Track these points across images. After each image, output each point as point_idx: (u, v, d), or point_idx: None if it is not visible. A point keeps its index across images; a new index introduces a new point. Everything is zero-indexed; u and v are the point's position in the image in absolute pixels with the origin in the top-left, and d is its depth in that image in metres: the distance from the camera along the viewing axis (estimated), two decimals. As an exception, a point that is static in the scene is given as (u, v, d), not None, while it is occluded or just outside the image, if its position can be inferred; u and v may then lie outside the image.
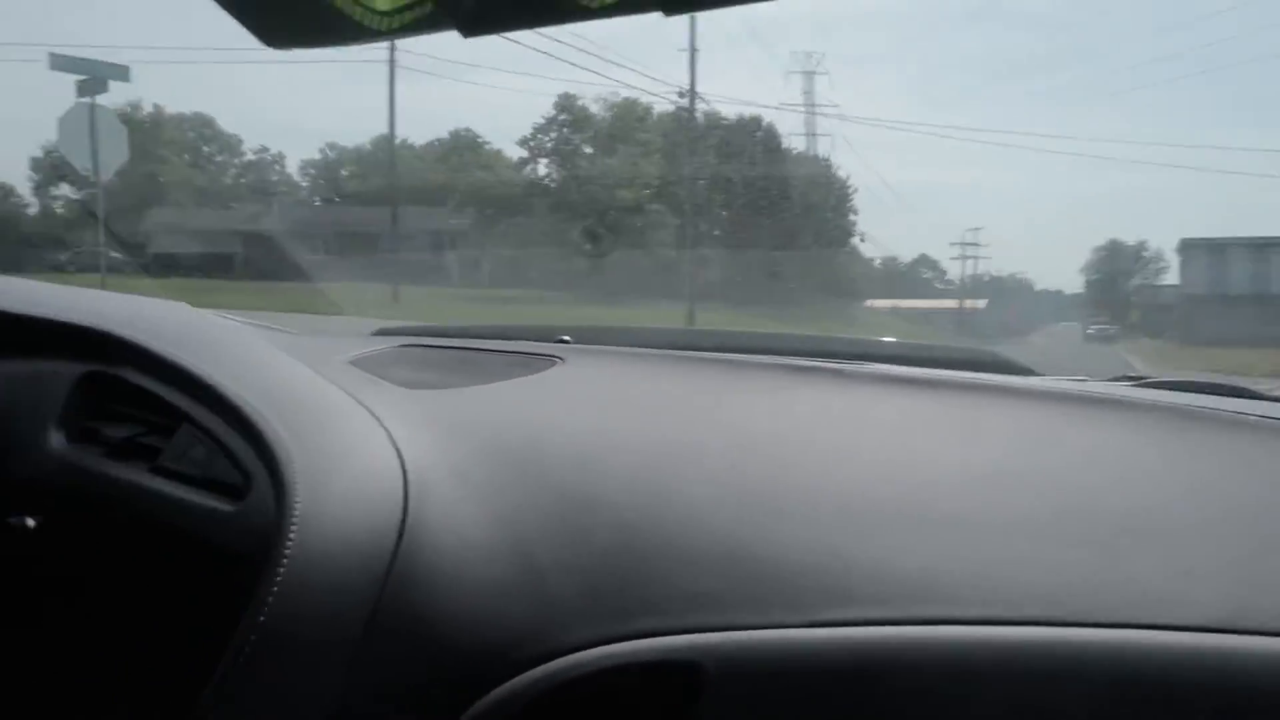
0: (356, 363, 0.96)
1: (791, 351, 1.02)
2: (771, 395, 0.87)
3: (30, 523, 0.86)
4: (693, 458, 0.72)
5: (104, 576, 0.86)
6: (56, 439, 0.89)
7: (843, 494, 0.65)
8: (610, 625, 0.55)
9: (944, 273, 64.08)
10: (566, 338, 1.11)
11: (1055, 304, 64.62)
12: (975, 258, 47.29)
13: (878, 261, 61.46)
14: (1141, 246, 55.43)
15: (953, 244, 47.88)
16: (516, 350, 1.03)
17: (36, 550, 0.87)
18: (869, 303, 42.04)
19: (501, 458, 0.71)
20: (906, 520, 0.61)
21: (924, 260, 61.61)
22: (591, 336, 1.15)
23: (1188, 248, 33.17)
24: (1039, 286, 69.64)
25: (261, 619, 0.57)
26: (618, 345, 1.13)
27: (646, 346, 1.10)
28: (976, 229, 50.62)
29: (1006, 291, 60.15)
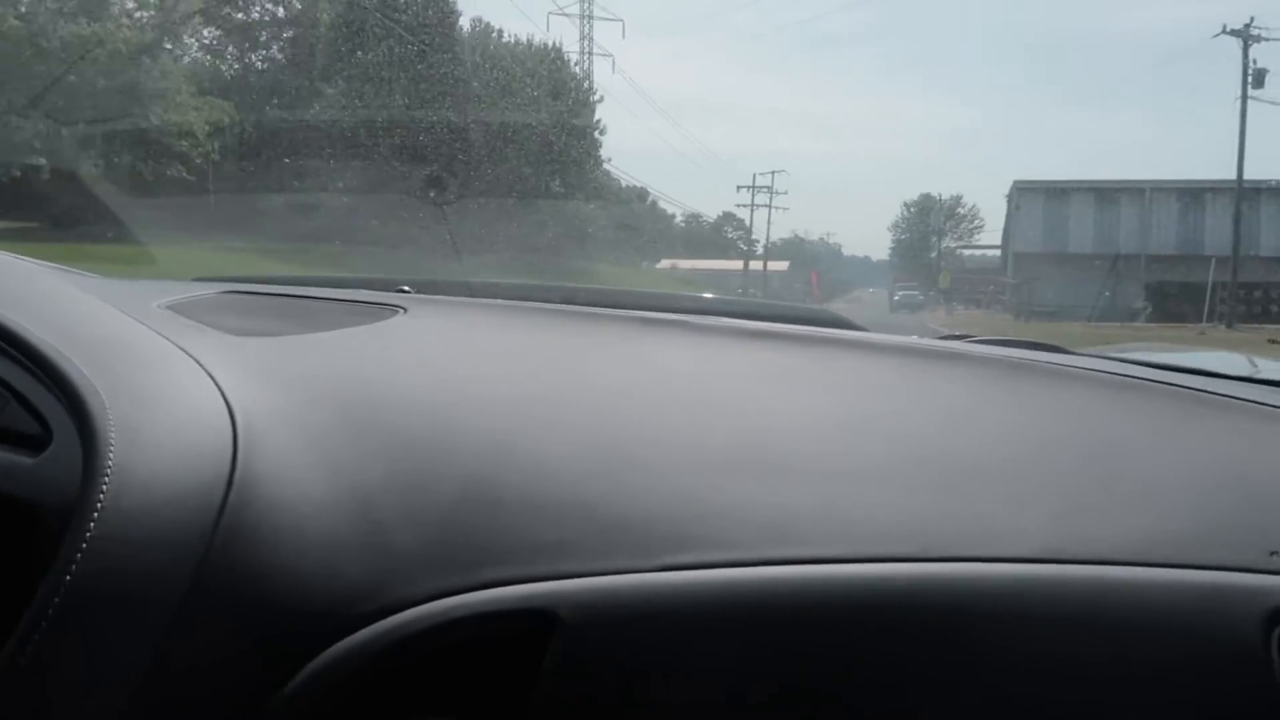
0: (174, 308, 0.89)
1: (637, 307, 1.01)
2: (622, 346, 0.87)
3: None
4: (544, 408, 0.70)
5: None
6: None
7: (695, 443, 0.65)
8: (457, 576, 0.54)
9: (749, 232, 58.09)
10: (406, 288, 1.08)
11: (864, 269, 61.25)
12: (772, 206, 41.76)
13: (679, 218, 54.89)
14: (957, 202, 52.37)
15: (741, 187, 42.08)
16: (354, 299, 0.99)
17: None
18: (662, 262, 36.93)
19: (341, 406, 0.67)
20: (758, 467, 0.62)
21: (729, 219, 56.43)
22: (432, 288, 1.12)
23: (1022, 192, 27.55)
24: (848, 252, 66.30)
25: (68, 577, 0.51)
26: (461, 296, 1.10)
27: (491, 298, 1.08)
28: (777, 171, 44.96)
29: (811, 256, 56.01)
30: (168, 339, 0.73)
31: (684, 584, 0.53)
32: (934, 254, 48.71)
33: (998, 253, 35.24)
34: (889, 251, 56.32)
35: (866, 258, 65.35)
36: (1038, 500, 0.60)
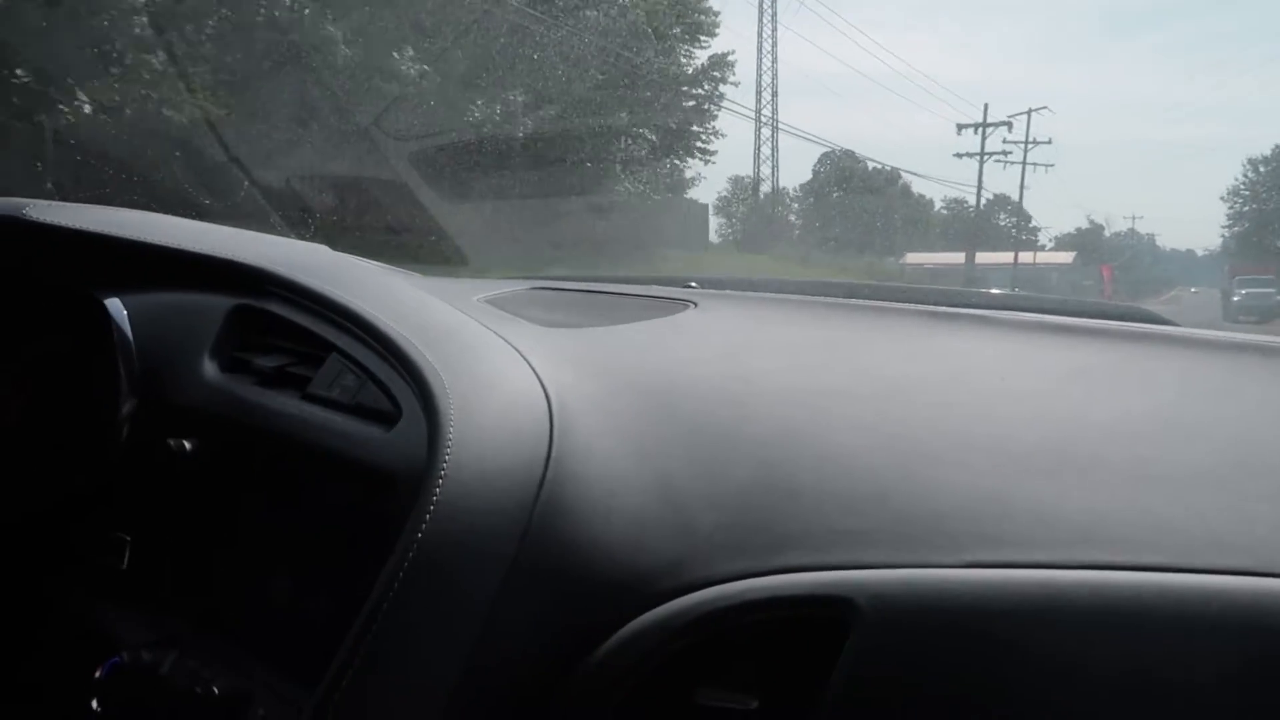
0: (492, 301, 0.97)
1: (926, 302, 0.98)
2: (916, 341, 0.85)
3: (188, 445, 0.89)
4: (836, 400, 0.70)
5: (259, 495, 0.89)
6: (210, 368, 0.92)
7: (997, 439, 0.63)
8: (755, 560, 0.55)
9: (1028, 219, 47.19)
10: (694, 284, 1.11)
11: (1185, 265, 48.19)
12: (1028, 162, 31.59)
13: (938, 204, 45.17)
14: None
15: (965, 127, 31.77)
16: (648, 294, 1.03)
17: (195, 471, 0.90)
18: (908, 257, 28.70)
19: (642, 394, 0.70)
20: (1069, 466, 0.59)
21: (1003, 203, 46.24)
22: (717, 284, 1.14)
23: None
24: (1163, 244, 53.13)
25: (419, 537, 0.57)
26: (745, 292, 1.12)
27: (777, 293, 1.09)
28: (1036, 110, 34.49)
29: (1115, 250, 44.38)
30: (489, 329, 0.80)
31: (994, 582, 0.51)
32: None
33: None
34: (1221, 238, 42.24)
35: (1189, 251, 52.18)
36: None
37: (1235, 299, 23.22)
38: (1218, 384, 0.72)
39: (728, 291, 1.11)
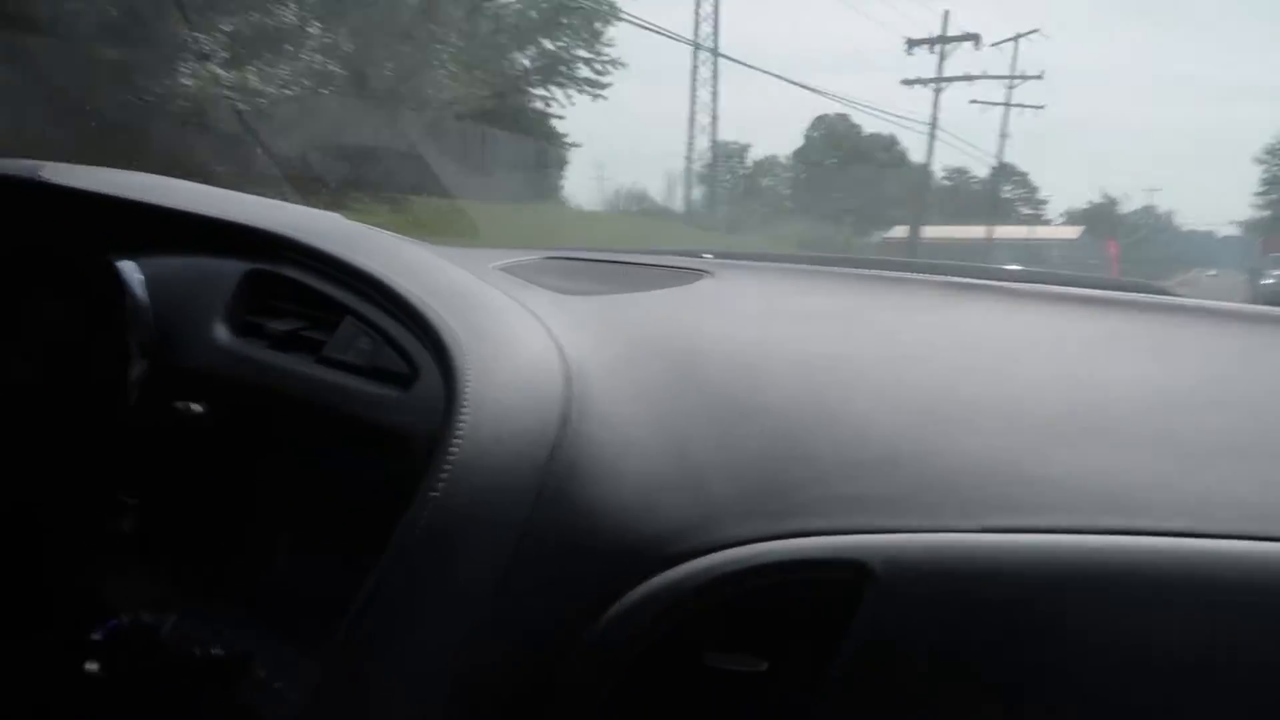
0: (507, 269, 0.97)
1: (942, 274, 0.97)
2: (932, 311, 0.84)
3: (197, 408, 0.89)
4: (852, 367, 0.70)
5: (271, 458, 0.89)
6: (222, 332, 0.92)
7: (1014, 405, 0.62)
8: (770, 524, 0.55)
9: (1034, 189, 43.95)
10: (709, 255, 1.11)
11: (1203, 246, 44.82)
12: (1010, 105, 27.24)
13: (941, 174, 41.71)
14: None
15: (917, 44, 26.90)
16: (663, 264, 1.02)
17: (206, 435, 0.90)
18: (894, 230, 25.89)
19: (657, 359, 0.70)
20: (1087, 432, 0.59)
21: (1009, 173, 42.89)
22: (730, 257, 1.14)
23: None
24: (1181, 224, 49.67)
25: (434, 495, 0.58)
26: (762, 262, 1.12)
27: (793, 264, 1.08)
28: (1024, 34, 29.87)
29: (1129, 228, 41.19)
30: (506, 294, 0.80)
31: (1009, 546, 0.51)
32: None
33: None
34: (1251, 207, 37.31)
35: (1209, 233, 48.74)
36: None
37: (1268, 282, 18.86)
38: (1237, 353, 0.72)
39: (744, 262, 1.11)
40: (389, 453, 0.71)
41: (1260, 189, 32.92)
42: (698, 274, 0.95)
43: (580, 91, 23.40)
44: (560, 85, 22.90)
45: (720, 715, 0.54)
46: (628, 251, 1.19)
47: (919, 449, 0.58)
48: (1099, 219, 41.18)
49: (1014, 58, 27.75)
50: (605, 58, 23.26)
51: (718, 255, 1.12)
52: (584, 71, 23.32)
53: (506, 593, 0.55)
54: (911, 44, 24.99)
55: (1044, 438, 0.58)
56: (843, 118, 40.04)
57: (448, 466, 0.58)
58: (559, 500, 0.57)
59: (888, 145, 40.43)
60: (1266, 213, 32.41)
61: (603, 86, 23.62)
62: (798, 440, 0.59)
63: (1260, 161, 32.21)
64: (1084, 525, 0.51)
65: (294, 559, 0.84)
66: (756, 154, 43.42)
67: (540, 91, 22.31)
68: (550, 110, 22.99)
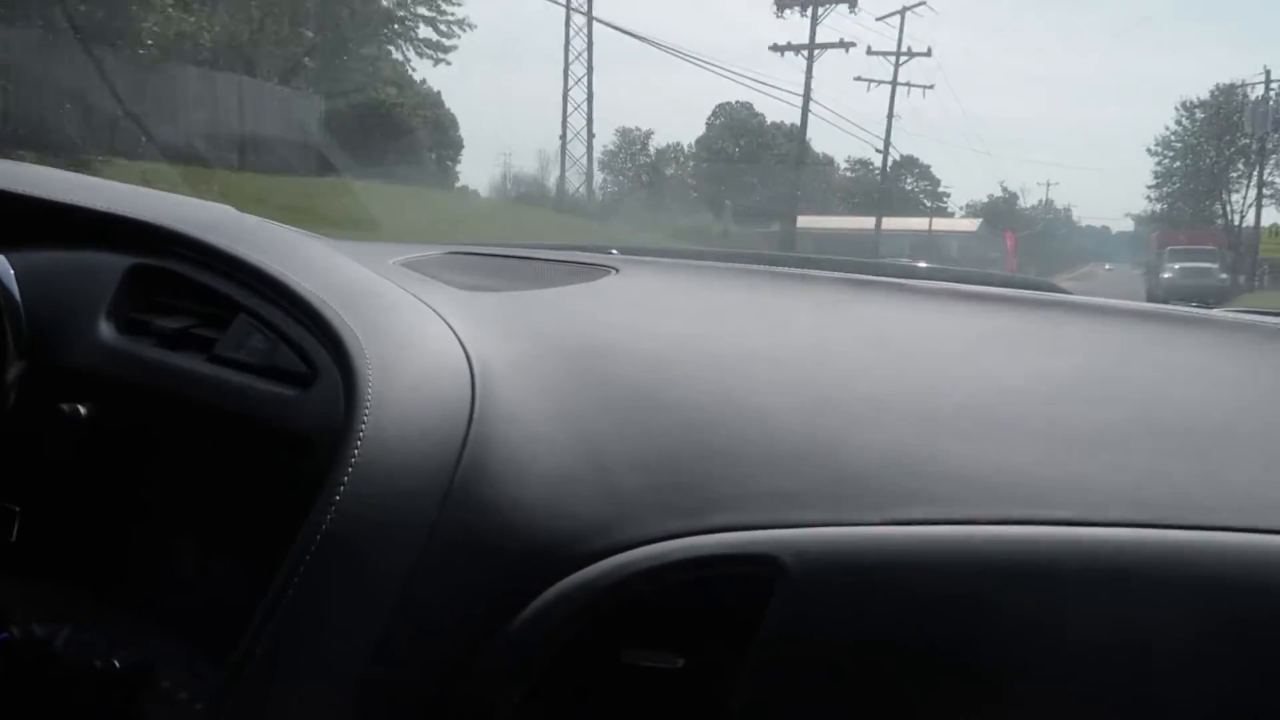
0: (408, 264, 0.95)
1: (845, 271, 0.99)
2: (835, 307, 0.86)
3: (82, 410, 0.86)
4: (758, 363, 0.71)
5: (163, 460, 0.86)
6: (106, 329, 0.88)
7: (914, 402, 0.64)
8: (681, 520, 0.55)
9: (936, 182, 43.75)
10: (615, 251, 1.11)
11: (1099, 241, 45.46)
12: (897, 83, 26.13)
13: (842, 165, 41.11)
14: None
15: (784, 3, 24.10)
16: (568, 260, 1.02)
17: (92, 437, 0.86)
18: (801, 220, 25.01)
19: (565, 356, 0.70)
20: (982, 427, 0.61)
21: (912, 164, 42.63)
22: (636, 253, 1.15)
23: None
24: (1083, 221, 50.41)
25: (337, 498, 0.56)
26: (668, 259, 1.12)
27: (698, 260, 1.09)
28: (913, 5, 29.14)
29: (1027, 223, 41.32)
30: (407, 291, 0.78)
31: (914, 539, 0.52)
32: (1236, 196, 27.63)
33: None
34: (1145, 199, 36.41)
35: (1105, 228, 49.53)
36: None
37: (1166, 275, 18.86)
38: (1124, 348, 0.74)
39: (650, 258, 1.12)
40: (289, 454, 0.69)
41: (1153, 181, 32.87)
42: (604, 270, 0.94)
43: (420, 56, 21.49)
44: (393, 45, 20.73)
45: (639, 712, 0.55)
46: (533, 246, 1.18)
47: (823, 443, 0.59)
48: (998, 213, 41.27)
49: (900, 30, 26.96)
50: (450, 17, 21.51)
51: (624, 251, 1.11)
52: (425, 32, 21.42)
53: (414, 596, 0.54)
54: (781, 3, 24.00)
55: (941, 431, 0.60)
56: (745, 105, 39.12)
57: (350, 468, 0.57)
58: (466, 500, 0.57)
59: (791, 134, 39.76)
60: (1160, 205, 32.42)
61: (446, 50, 21.74)
62: (708, 435, 0.60)
63: (1153, 154, 32.08)
64: (980, 516, 0.52)
65: (196, 565, 0.81)
66: (660, 141, 42.13)
67: (368, 51, 19.99)
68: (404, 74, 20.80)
